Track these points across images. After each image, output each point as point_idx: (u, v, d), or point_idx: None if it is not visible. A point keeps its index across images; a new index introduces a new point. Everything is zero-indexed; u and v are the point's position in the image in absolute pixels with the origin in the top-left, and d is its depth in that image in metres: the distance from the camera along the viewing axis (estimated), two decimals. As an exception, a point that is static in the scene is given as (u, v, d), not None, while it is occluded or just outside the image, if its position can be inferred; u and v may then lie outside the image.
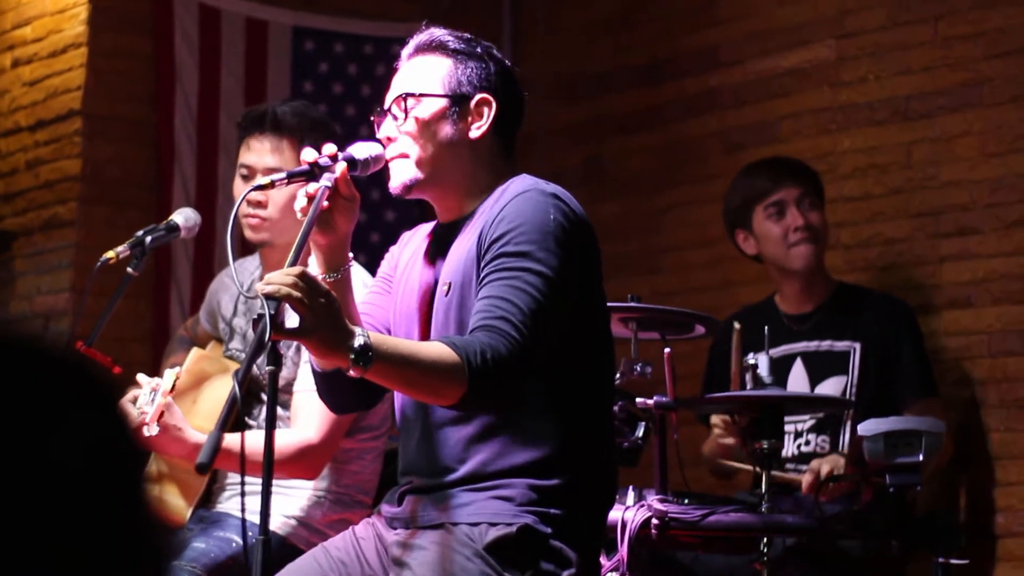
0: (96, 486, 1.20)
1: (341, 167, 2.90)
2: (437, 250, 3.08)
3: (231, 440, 3.33)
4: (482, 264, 2.88)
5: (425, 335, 3.00)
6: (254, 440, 3.37)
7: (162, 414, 3.44)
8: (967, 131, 5.06)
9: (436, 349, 2.73)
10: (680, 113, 5.98)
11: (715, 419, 4.42)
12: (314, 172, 2.90)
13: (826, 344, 4.67)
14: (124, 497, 1.23)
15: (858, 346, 4.63)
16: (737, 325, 4.03)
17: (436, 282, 3.03)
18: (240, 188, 3.90)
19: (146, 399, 3.46)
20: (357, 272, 3.80)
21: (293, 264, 2.71)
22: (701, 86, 5.92)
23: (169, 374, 3.50)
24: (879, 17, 5.33)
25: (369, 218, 6.24)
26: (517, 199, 2.91)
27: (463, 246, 2.97)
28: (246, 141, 3.92)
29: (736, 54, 5.80)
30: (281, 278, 2.60)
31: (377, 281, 3.22)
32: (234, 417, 2.61)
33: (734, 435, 4.30)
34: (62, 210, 5.90)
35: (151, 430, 3.41)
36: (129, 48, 5.98)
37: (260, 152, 3.87)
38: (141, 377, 3.54)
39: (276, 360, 2.63)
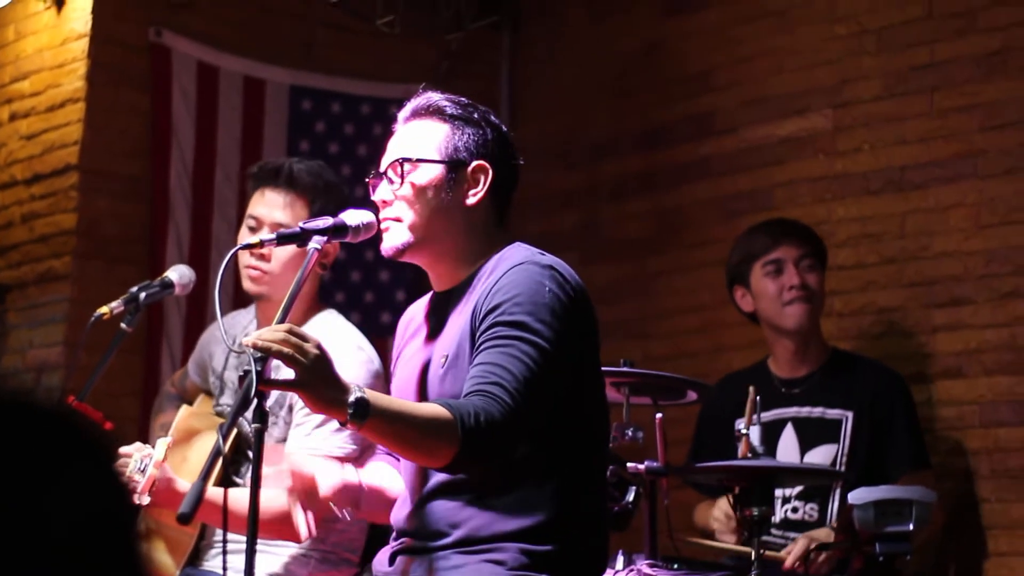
0: (90, 541, 1.19)
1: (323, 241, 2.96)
2: (435, 321, 3.08)
3: (218, 495, 3.29)
4: (477, 334, 2.88)
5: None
6: (243, 497, 3.34)
7: (153, 484, 3.41)
8: (961, 202, 5.08)
9: (430, 408, 2.74)
10: (674, 179, 5.99)
11: (717, 512, 4.40)
12: (304, 236, 2.92)
13: (818, 411, 4.65)
14: (118, 552, 1.22)
15: (850, 415, 4.60)
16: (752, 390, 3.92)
17: (433, 354, 3.03)
18: (245, 239, 3.88)
19: (136, 467, 3.43)
20: (349, 335, 3.80)
21: (281, 322, 2.72)
22: (696, 153, 5.93)
23: (161, 444, 3.46)
24: (875, 88, 5.36)
25: (363, 277, 6.24)
26: (513, 270, 2.91)
27: (458, 318, 2.98)
28: (260, 191, 3.90)
29: (731, 122, 5.82)
30: (270, 335, 2.61)
31: (394, 361, 3.24)
32: (220, 470, 2.60)
33: (735, 531, 4.29)
34: (57, 264, 5.90)
35: (141, 500, 3.38)
36: (127, 104, 5.99)
37: (271, 205, 3.87)
38: (131, 447, 3.50)
39: (262, 418, 2.63)
